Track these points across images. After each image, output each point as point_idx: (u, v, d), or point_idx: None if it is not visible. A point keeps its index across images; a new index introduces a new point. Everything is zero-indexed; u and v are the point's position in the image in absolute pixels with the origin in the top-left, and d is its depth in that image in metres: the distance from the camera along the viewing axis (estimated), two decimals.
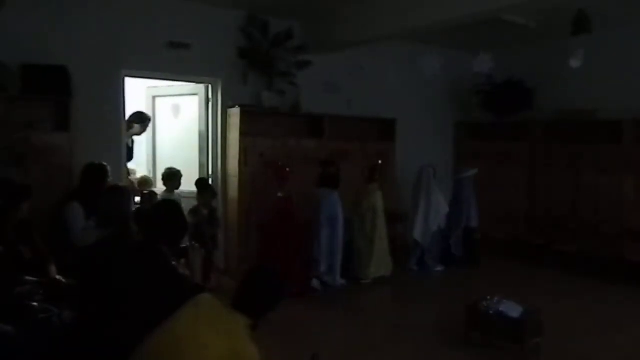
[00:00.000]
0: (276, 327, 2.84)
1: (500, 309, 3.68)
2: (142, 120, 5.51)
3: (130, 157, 5.41)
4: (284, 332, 3.75)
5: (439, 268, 6.09)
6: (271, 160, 5.41)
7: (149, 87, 5.97)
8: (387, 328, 4.39)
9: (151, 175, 5.80)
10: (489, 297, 3.81)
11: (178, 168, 5.18)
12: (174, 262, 2.71)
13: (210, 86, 5.59)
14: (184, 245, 2.89)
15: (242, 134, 5.38)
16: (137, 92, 5.89)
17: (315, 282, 5.22)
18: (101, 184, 3.98)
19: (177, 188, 5.13)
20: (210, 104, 5.62)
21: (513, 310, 3.65)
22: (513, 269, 6.23)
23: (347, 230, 5.48)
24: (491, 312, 3.69)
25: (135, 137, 5.62)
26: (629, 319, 4.57)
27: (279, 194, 5.03)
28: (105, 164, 4.16)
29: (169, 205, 2.99)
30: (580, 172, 6.09)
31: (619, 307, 4.88)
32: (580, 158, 6.10)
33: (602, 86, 6.12)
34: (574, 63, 5.26)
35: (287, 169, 5.10)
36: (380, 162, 5.80)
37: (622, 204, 5.77)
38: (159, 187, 5.37)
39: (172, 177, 5.10)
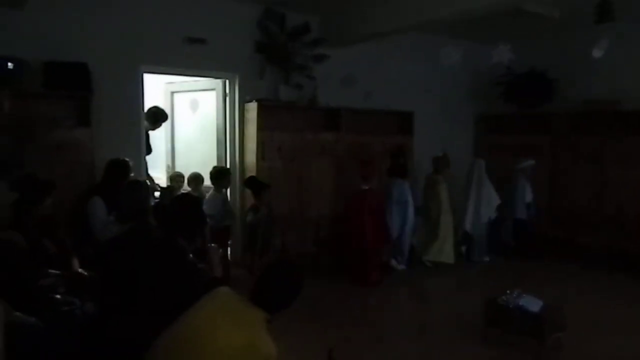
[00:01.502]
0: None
1: (520, 303, 3.63)
2: (155, 120, 5.35)
3: (148, 150, 5.44)
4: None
5: (487, 259, 6.18)
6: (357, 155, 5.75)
7: (167, 83, 6.02)
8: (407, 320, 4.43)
9: (170, 171, 5.86)
10: (508, 291, 3.77)
11: (196, 162, 5.22)
12: (191, 256, 2.75)
13: (227, 81, 5.61)
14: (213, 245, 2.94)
15: (260, 128, 5.40)
16: (156, 88, 5.94)
17: (393, 262, 5.73)
18: (123, 179, 4.04)
19: (227, 187, 5.17)
20: (227, 98, 5.65)
21: (533, 304, 3.60)
22: (535, 263, 6.10)
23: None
24: (511, 306, 3.64)
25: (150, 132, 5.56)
26: None
27: (364, 186, 5.36)
28: (128, 159, 4.22)
29: (187, 200, 3.02)
30: (604, 164, 5.96)
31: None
32: (604, 150, 5.96)
33: (626, 76, 5.96)
34: (597, 53, 5.13)
35: (373, 162, 5.53)
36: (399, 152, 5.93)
37: None
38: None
39: (222, 175, 5.09)
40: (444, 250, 5.96)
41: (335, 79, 5.97)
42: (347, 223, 5.44)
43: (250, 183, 5.19)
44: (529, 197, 6.19)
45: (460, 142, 7.23)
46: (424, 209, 6.06)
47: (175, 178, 5.39)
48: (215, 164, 5.72)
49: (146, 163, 5.32)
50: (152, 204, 3.64)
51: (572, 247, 6.14)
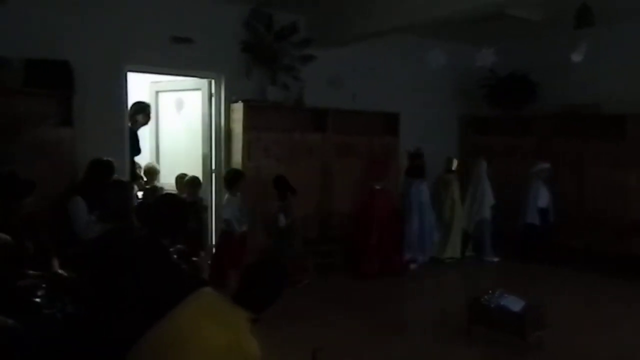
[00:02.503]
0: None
1: (502, 302, 3.68)
2: (143, 109, 5.31)
3: (138, 150, 5.38)
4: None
5: (494, 259, 6.25)
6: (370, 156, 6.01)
7: (152, 82, 5.97)
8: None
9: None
10: (490, 291, 3.81)
11: (181, 162, 5.18)
12: (175, 256, 2.73)
13: (213, 81, 5.58)
14: (194, 259, 2.93)
15: (246, 128, 5.38)
16: (140, 87, 5.89)
17: (412, 265, 5.88)
18: (106, 179, 4.00)
19: (242, 190, 5.00)
20: (213, 98, 5.62)
21: (514, 304, 3.65)
22: (519, 264, 6.20)
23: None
24: (492, 305, 3.69)
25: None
26: (634, 314, 4.55)
27: (377, 186, 5.61)
28: (111, 160, 4.18)
29: (171, 200, 3.00)
30: (585, 166, 6.05)
31: (624, 302, 4.86)
32: (585, 152, 6.06)
33: (605, 80, 6.08)
34: (577, 57, 5.23)
35: (385, 163, 5.84)
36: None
37: (626, 198, 5.73)
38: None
39: (237, 178, 5.00)
40: (454, 247, 6.23)
41: (322, 79, 5.98)
42: (357, 220, 5.66)
43: (279, 184, 5.14)
44: (542, 202, 6.03)
45: (445, 143, 7.29)
46: (438, 208, 6.22)
47: (149, 171, 5.27)
48: (200, 164, 5.69)
49: (138, 164, 5.27)
50: (136, 204, 3.61)
51: (556, 247, 6.17)
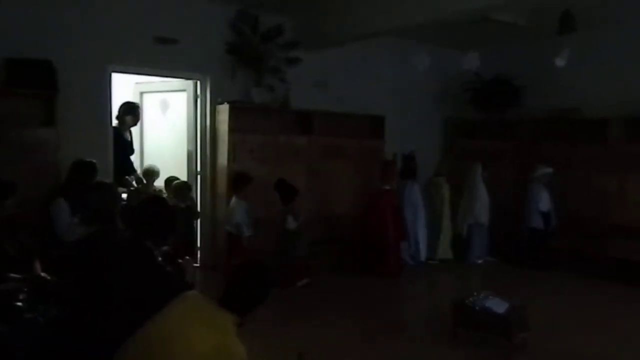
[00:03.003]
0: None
1: (487, 304, 3.71)
2: (132, 110, 5.27)
3: (131, 150, 5.28)
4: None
5: (483, 260, 6.31)
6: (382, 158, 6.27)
7: (136, 83, 5.91)
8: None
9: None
10: (475, 293, 3.85)
11: (166, 164, 5.13)
12: (160, 259, 2.70)
13: (198, 82, 5.55)
14: (180, 261, 2.92)
15: (231, 130, 5.36)
16: (125, 88, 5.83)
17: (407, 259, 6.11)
18: (89, 180, 3.94)
19: (247, 193, 5.05)
20: (198, 100, 5.59)
21: (499, 306, 3.69)
22: (501, 266, 6.28)
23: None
24: (477, 308, 3.72)
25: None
26: (614, 316, 4.63)
27: (386, 187, 5.83)
28: (94, 161, 4.12)
29: (156, 202, 2.97)
30: (567, 169, 6.13)
31: (605, 304, 4.95)
32: (568, 156, 6.14)
33: (587, 84, 6.19)
34: (560, 62, 5.33)
35: (394, 164, 6.09)
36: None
37: (607, 201, 5.83)
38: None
39: (245, 181, 5.04)
40: (443, 248, 6.37)
41: (308, 82, 5.99)
42: (368, 220, 5.82)
43: (282, 187, 5.17)
44: (544, 206, 6.00)
45: (430, 146, 7.35)
46: (429, 210, 6.38)
47: (148, 172, 5.17)
48: (185, 166, 5.65)
49: (132, 163, 5.20)
50: (120, 205, 3.57)
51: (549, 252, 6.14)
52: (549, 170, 6.01)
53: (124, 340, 2.13)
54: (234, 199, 5.07)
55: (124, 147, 5.19)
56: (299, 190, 5.26)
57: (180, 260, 2.90)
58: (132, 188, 4.72)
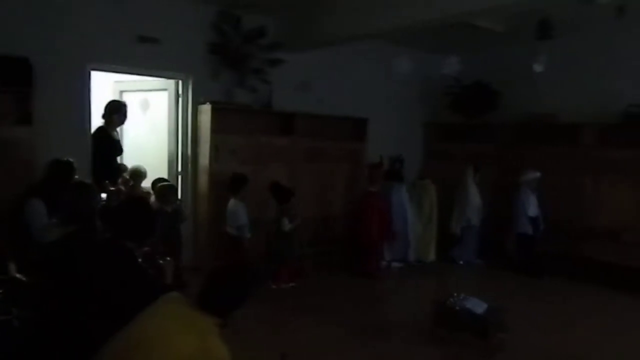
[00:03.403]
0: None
1: (466, 305, 3.77)
2: (118, 108, 5.05)
3: (119, 151, 5.11)
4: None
5: (461, 261, 6.41)
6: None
7: (116, 82, 5.83)
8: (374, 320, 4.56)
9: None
10: (455, 294, 3.90)
11: (147, 164, 5.05)
12: (140, 260, 2.67)
13: (180, 82, 5.50)
14: (160, 262, 2.90)
15: (213, 130, 5.32)
16: (104, 87, 5.74)
17: (394, 264, 6.24)
18: (66, 180, 3.86)
19: (244, 195, 5.10)
20: (180, 99, 5.53)
21: (478, 306, 3.76)
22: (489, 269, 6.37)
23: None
24: (457, 308, 3.78)
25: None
26: (592, 315, 4.75)
27: (371, 189, 5.99)
28: (72, 160, 4.04)
29: (136, 203, 2.93)
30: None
31: (577, 304, 5.08)
32: (542, 159, 6.26)
33: (562, 90, 6.36)
34: (537, 68, 5.44)
35: (381, 167, 6.31)
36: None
37: (581, 204, 5.97)
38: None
39: (243, 182, 5.09)
40: (429, 250, 6.50)
41: (291, 83, 5.99)
42: (357, 221, 5.96)
43: (277, 190, 5.26)
44: (533, 211, 5.97)
45: (411, 149, 7.42)
46: (416, 211, 6.48)
47: (135, 174, 5.04)
48: (166, 166, 5.59)
49: (124, 165, 5.08)
50: (99, 206, 3.51)
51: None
52: (537, 174, 5.99)
53: (102, 343, 2.09)
54: (232, 201, 5.09)
55: (111, 147, 5.00)
56: (294, 193, 5.34)
57: (160, 262, 2.88)
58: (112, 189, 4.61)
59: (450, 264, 6.47)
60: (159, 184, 4.94)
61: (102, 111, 5.03)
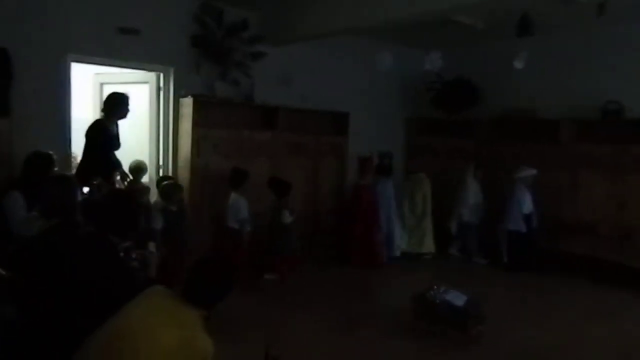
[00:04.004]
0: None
1: (446, 297, 3.85)
2: (120, 102, 4.70)
3: (117, 145, 4.84)
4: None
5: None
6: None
7: (96, 74, 5.74)
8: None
9: None
10: (435, 287, 3.98)
11: (127, 158, 4.99)
12: (122, 253, 2.67)
13: (161, 74, 5.45)
14: (152, 250, 2.88)
15: (195, 124, 5.29)
16: (84, 78, 5.64)
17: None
18: (46, 173, 3.80)
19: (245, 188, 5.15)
20: (161, 92, 5.48)
21: (458, 299, 3.83)
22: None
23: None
24: (437, 301, 3.85)
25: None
26: (563, 307, 4.88)
27: (362, 182, 6.22)
28: (51, 152, 3.98)
29: (118, 196, 2.92)
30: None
31: (555, 297, 5.20)
32: (522, 154, 6.37)
33: (542, 86, 6.47)
34: (518, 64, 5.53)
35: (371, 161, 6.42)
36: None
37: (559, 198, 6.11)
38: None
39: (244, 177, 5.17)
40: (425, 242, 6.56)
41: (273, 77, 5.98)
42: (348, 213, 6.16)
43: (276, 184, 5.31)
44: (527, 208, 5.91)
45: (392, 144, 7.49)
46: (410, 204, 6.60)
47: (136, 169, 4.92)
48: (147, 160, 5.53)
49: (117, 158, 4.85)
50: (80, 199, 3.47)
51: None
52: (533, 171, 5.92)
53: (86, 336, 2.09)
54: (233, 195, 5.13)
55: (106, 141, 4.67)
56: (292, 186, 5.40)
57: (143, 252, 2.87)
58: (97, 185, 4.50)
59: (446, 258, 6.55)
60: (164, 183, 4.86)
61: (101, 105, 4.81)
